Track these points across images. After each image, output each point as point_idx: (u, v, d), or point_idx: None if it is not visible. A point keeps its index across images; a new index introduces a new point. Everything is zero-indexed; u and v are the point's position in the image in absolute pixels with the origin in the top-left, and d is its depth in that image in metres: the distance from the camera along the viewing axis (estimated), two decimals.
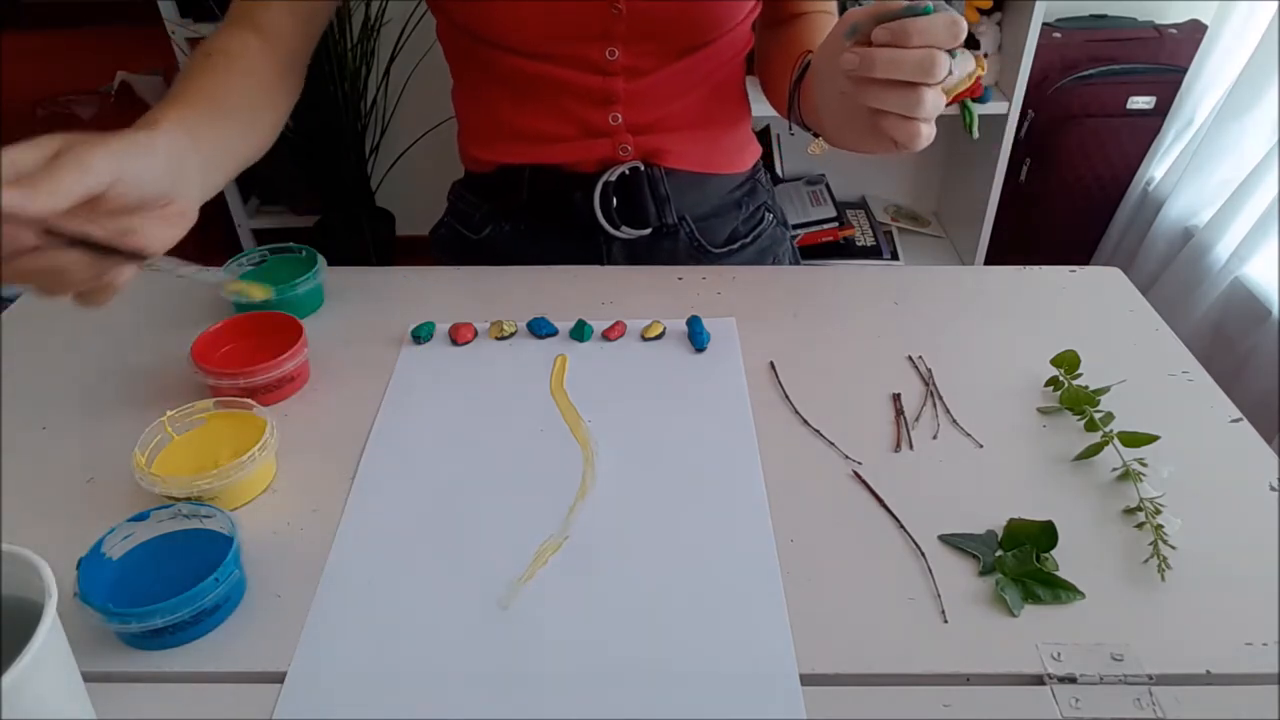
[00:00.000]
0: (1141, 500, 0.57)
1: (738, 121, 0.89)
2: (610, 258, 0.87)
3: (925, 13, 0.55)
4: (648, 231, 0.85)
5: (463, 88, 0.86)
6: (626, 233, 0.84)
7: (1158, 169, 1.80)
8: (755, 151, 0.91)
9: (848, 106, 0.62)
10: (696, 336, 0.72)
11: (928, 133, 0.58)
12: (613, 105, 0.79)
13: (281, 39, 0.73)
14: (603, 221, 0.83)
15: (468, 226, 0.89)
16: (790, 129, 0.79)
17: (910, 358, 0.72)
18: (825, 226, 2.01)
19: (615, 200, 0.83)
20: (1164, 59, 1.79)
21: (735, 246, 0.89)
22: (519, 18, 0.73)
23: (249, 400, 0.63)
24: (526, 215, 0.86)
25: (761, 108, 0.91)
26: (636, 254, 0.86)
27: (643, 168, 0.82)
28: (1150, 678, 0.47)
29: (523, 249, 0.86)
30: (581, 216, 0.83)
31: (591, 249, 0.86)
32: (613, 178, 0.82)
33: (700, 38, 0.78)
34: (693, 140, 0.84)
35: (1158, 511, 0.55)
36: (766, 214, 0.93)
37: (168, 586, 0.48)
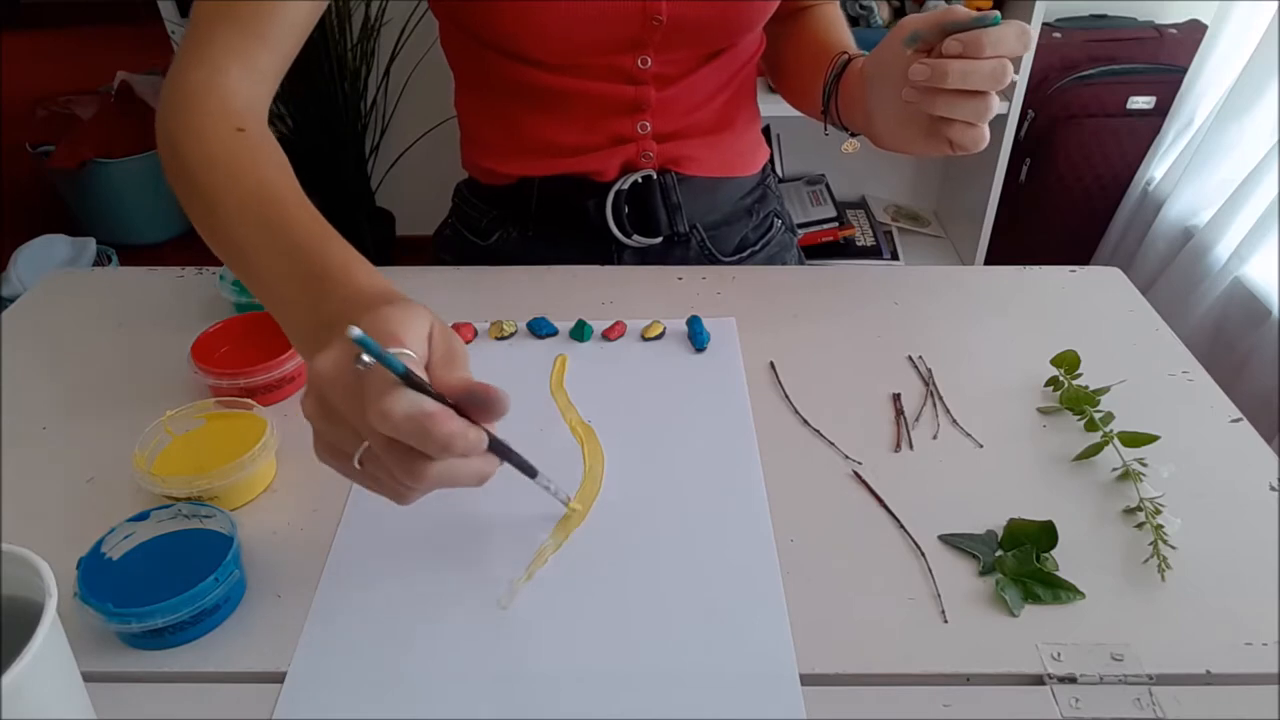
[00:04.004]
0: (1141, 500, 0.57)
1: (751, 122, 0.88)
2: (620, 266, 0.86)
3: (994, 24, 0.57)
4: (659, 240, 0.85)
5: (473, 98, 0.84)
6: (638, 241, 0.84)
7: (1158, 169, 1.80)
8: (765, 153, 0.91)
9: (908, 111, 0.64)
10: (696, 336, 0.72)
11: (988, 135, 0.62)
12: (642, 113, 0.78)
13: (268, 81, 0.65)
14: (614, 230, 0.83)
15: (474, 232, 0.88)
16: (825, 129, 0.79)
17: (910, 358, 0.72)
18: (825, 226, 2.01)
19: (627, 208, 0.82)
20: (1164, 59, 1.79)
21: (745, 255, 0.89)
22: (550, 32, 0.71)
23: (249, 400, 0.63)
24: (536, 223, 0.85)
25: (766, 108, 0.91)
26: (647, 263, 0.86)
27: (655, 176, 0.81)
28: (1150, 678, 0.47)
29: (531, 256, 0.85)
30: (593, 224, 0.83)
31: (602, 257, 0.85)
32: (625, 186, 0.81)
33: (731, 40, 0.78)
34: (712, 145, 0.83)
35: (1158, 511, 0.55)
36: (775, 220, 0.92)
37: (168, 586, 0.48)
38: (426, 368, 0.42)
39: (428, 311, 0.43)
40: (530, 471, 0.51)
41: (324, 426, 0.42)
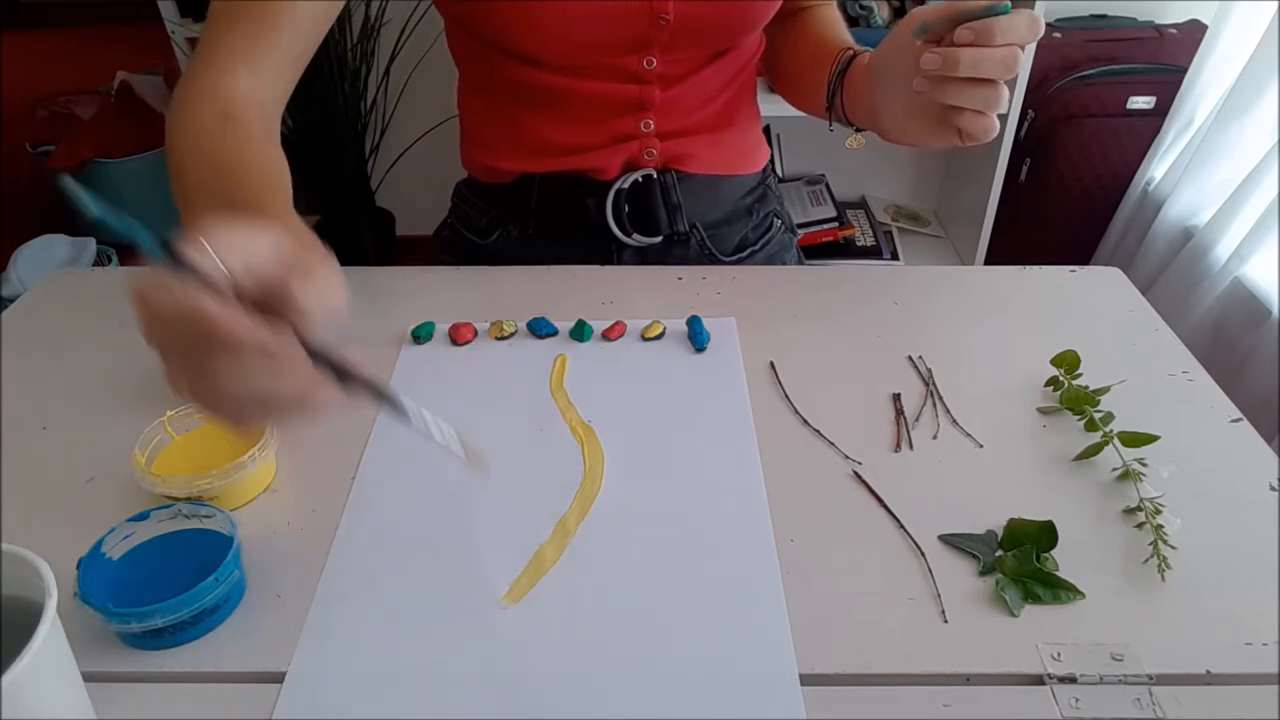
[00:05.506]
0: (1141, 500, 0.57)
1: (753, 121, 0.89)
2: (620, 265, 0.86)
3: (1004, 12, 0.58)
4: (658, 239, 0.84)
5: (476, 97, 0.84)
6: (638, 240, 0.84)
7: (1158, 169, 1.80)
8: (766, 152, 0.91)
9: (917, 102, 0.65)
10: (696, 336, 0.72)
11: (997, 124, 0.63)
12: (645, 112, 0.78)
13: (278, 84, 0.65)
14: (614, 229, 0.83)
15: (474, 231, 0.89)
16: (830, 125, 0.80)
17: (910, 358, 0.72)
18: (825, 226, 2.01)
19: (627, 207, 0.82)
20: (1164, 59, 1.79)
21: (745, 254, 0.89)
22: (552, 32, 0.71)
23: None
24: (536, 220, 0.85)
25: (766, 108, 0.91)
26: (646, 262, 0.86)
27: (655, 175, 0.81)
28: (1150, 678, 0.47)
29: (531, 255, 0.85)
30: (593, 223, 0.83)
31: (601, 256, 0.85)
32: (625, 185, 0.81)
33: (736, 39, 0.78)
34: (714, 143, 0.83)
35: (1158, 511, 0.55)
36: (775, 220, 0.93)
37: (168, 586, 0.48)
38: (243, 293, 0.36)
39: (286, 238, 0.38)
40: (397, 406, 0.39)
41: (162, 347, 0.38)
